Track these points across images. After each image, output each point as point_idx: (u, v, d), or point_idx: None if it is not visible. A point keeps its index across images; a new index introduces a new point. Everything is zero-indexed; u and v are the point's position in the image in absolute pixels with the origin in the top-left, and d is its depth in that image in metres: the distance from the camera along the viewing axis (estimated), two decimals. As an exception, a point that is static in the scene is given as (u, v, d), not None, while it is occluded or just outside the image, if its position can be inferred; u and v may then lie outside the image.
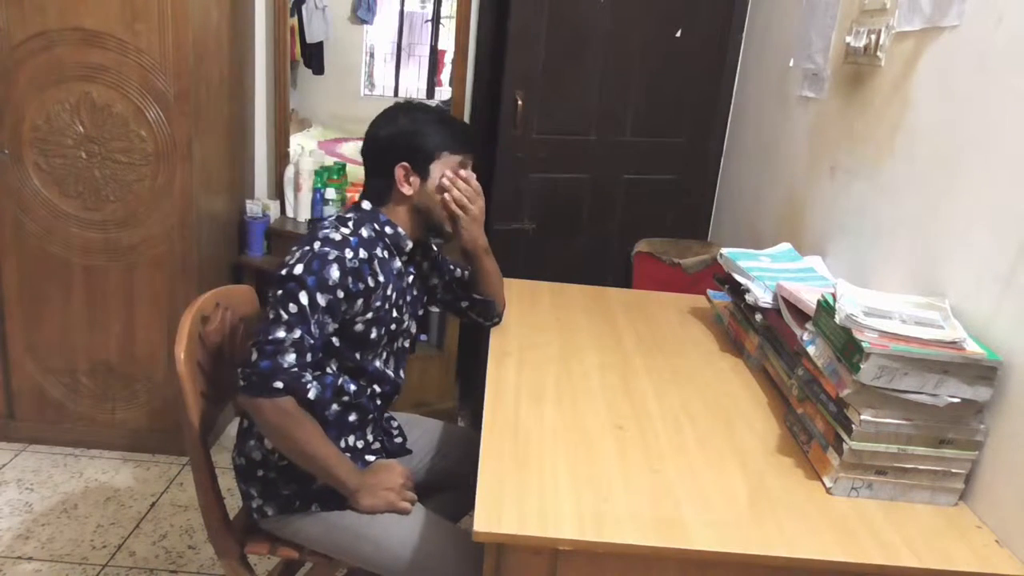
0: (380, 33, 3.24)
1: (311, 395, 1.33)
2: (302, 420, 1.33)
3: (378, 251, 1.44)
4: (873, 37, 1.70)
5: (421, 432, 1.69)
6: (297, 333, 1.30)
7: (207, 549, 2.14)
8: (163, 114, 2.28)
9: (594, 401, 1.44)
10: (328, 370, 1.42)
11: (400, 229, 1.48)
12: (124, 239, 2.38)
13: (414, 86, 3.37)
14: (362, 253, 1.39)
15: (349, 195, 2.82)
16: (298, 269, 1.32)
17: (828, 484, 1.22)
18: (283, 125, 2.87)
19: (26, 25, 2.19)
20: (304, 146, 3.01)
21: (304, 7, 2.97)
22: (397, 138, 1.45)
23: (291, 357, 1.30)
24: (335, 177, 2.85)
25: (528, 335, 1.72)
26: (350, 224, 1.43)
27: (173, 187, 2.34)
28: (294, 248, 1.38)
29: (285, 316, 1.30)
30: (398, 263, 1.50)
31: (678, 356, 1.70)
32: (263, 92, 2.88)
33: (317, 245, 1.35)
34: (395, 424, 1.65)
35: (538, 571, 1.08)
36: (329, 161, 2.93)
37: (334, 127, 3.21)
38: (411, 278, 1.55)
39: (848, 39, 1.83)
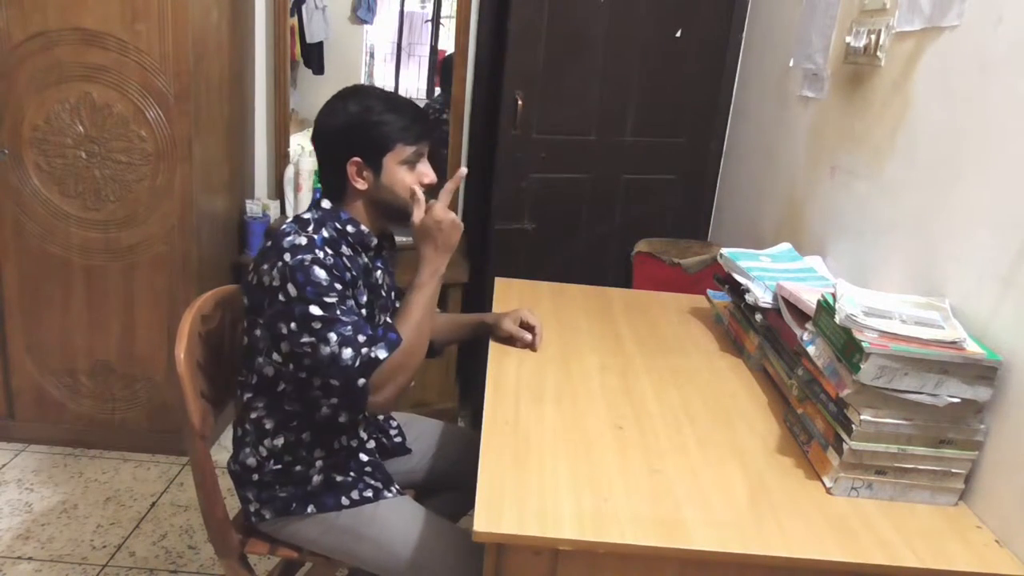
0: (380, 33, 3.23)
1: (382, 355, 1.30)
2: (396, 356, 1.32)
3: (343, 249, 1.40)
4: (873, 37, 1.70)
5: (421, 432, 1.69)
6: (334, 336, 1.28)
7: (207, 549, 2.14)
8: (163, 114, 2.28)
9: (594, 401, 1.44)
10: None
11: (363, 227, 1.43)
12: (124, 239, 2.38)
13: (414, 86, 3.36)
14: (328, 251, 1.35)
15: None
16: (291, 291, 1.29)
17: (828, 484, 1.22)
18: (283, 125, 2.87)
19: (26, 25, 2.19)
20: (304, 146, 3.01)
21: (304, 7, 2.97)
22: (347, 130, 1.38)
23: (348, 352, 1.29)
24: (335, 177, 2.85)
25: (528, 335, 1.72)
26: (310, 227, 1.37)
27: (173, 187, 2.34)
28: (263, 265, 1.33)
29: (316, 336, 1.28)
30: (364, 259, 1.45)
31: (678, 356, 1.69)
32: (263, 92, 2.88)
33: (288, 257, 1.31)
34: (394, 424, 1.65)
35: (538, 571, 1.08)
36: (329, 161, 2.93)
37: (334, 127, 3.20)
38: (379, 273, 1.50)
39: (848, 39, 1.83)
